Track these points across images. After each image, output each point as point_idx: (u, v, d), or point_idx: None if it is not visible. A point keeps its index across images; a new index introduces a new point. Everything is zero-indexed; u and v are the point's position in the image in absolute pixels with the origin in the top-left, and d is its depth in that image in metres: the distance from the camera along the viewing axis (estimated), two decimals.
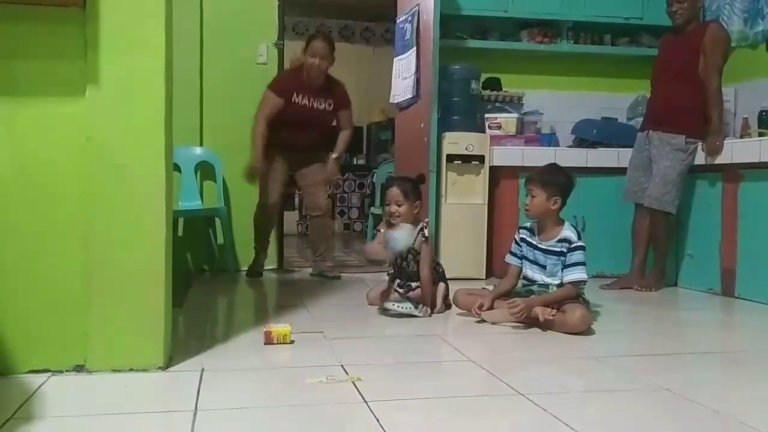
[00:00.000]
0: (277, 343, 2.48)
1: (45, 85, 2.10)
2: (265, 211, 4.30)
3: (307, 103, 4.17)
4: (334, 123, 4.43)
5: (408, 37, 4.62)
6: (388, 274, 3.38)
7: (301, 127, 4.19)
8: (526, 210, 3.00)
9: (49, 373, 2.08)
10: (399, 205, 3.17)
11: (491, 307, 2.94)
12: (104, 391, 1.99)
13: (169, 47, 2.20)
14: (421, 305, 3.03)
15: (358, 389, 2.00)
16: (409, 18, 4.59)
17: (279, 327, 2.52)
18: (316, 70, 4.11)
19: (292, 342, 2.50)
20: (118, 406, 1.87)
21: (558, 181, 2.99)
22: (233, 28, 4.68)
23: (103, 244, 2.11)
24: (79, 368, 2.11)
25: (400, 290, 3.18)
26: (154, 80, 2.15)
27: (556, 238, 2.96)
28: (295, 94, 4.12)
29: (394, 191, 3.20)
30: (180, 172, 4.48)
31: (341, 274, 4.46)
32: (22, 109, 2.09)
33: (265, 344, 2.47)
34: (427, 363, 2.37)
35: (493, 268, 4.37)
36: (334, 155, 4.37)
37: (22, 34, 2.08)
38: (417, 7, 4.47)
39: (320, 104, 4.23)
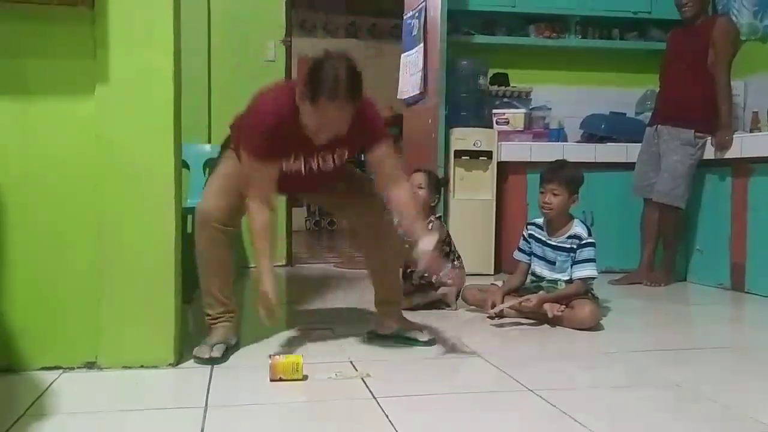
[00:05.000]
0: (286, 380, 2.03)
1: (55, 84, 2.11)
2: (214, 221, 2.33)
3: (302, 168, 2.33)
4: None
5: (415, 33, 4.62)
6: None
7: (298, 188, 2.63)
8: (548, 209, 2.95)
9: (61, 370, 2.10)
10: (420, 188, 3.19)
11: (502, 311, 2.92)
12: (115, 388, 2.01)
13: (177, 45, 2.21)
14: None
15: (367, 385, 2.00)
16: (416, 14, 4.59)
17: (288, 362, 2.06)
18: (325, 136, 2.20)
19: (304, 378, 2.06)
20: (129, 402, 1.88)
21: (577, 178, 2.99)
22: (241, 25, 4.68)
23: (114, 241, 2.13)
24: (90, 365, 2.12)
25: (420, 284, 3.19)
26: (163, 78, 2.16)
27: (566, 234, 2.95)
28: (282, 161, 2.29)
29: (420, 174, 3.25)
30: (189, 169, 4.49)
31: None
32: (33, 108, 2.10)
33: (271, 381, 2.04)
34: (436, 359, 2.37)
35: (502, 263, 4.37)
36: (422, 247, 2.25)
37: (32, 34, 2.09)
38: (424, 3, 4.46)
39: (325, 161, 2.34)
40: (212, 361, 2.23)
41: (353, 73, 2.09)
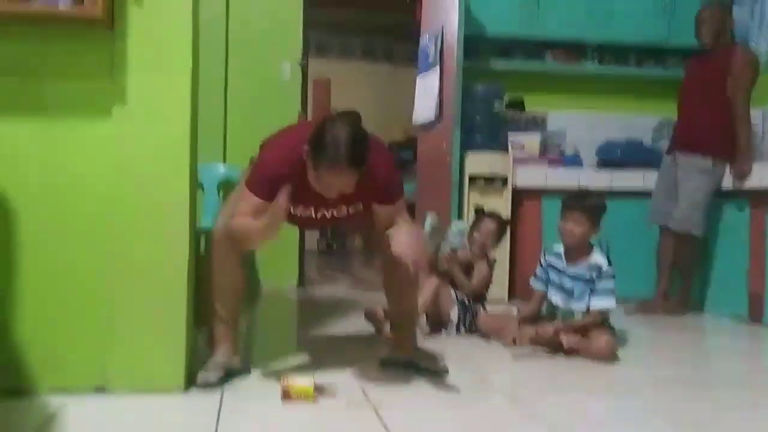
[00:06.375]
0: (297, 394, 2.07)
1: (73, 104, 2.11)
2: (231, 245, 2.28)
3: (313, 214, 2.35)
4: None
5: (431, 57, 4.62)
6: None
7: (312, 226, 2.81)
8: (570, 238, 2.91)
9: (70, 394, 2.07)
10: (489, 238, 3.35)
11: (516, 339, 2.88)
12: (124, 413, 1.98)
13: (196, 67, 2.21)
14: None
15: (379, 415, 1.97)
16: (433, 38, 4.59)
17: (299, 384, 2.10)
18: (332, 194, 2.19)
19: (315, 398, 2.08)
20: (138, 428, 1.85)
21: (600, 208, 2.96)
22: (257, 46, 4.71)
23: (127, 264, 2.11)
24: (99, 389, 2.09)
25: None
26: (181, 100, 2.15)
27: (586, 264, 2.90)
28: (292, 207, 2.24)
29: (491, 225, 3.37)
30: (203, 189, 4.49)
31: None
32: (51, 128, 2.10)
33: (282, 399, 2.08)
34: (449, 390, 2.33)
35: (516, 289, 4.32)
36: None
37: (50, 54, 2.10)
38: (441, 28, 4.47)
39: (340, 211, 2.36)
40: (208, 386, 2.19)
41: (356, 137, 2.05)
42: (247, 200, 2.21)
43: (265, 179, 2.20)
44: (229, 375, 2.28)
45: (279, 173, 2.17)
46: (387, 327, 3.08)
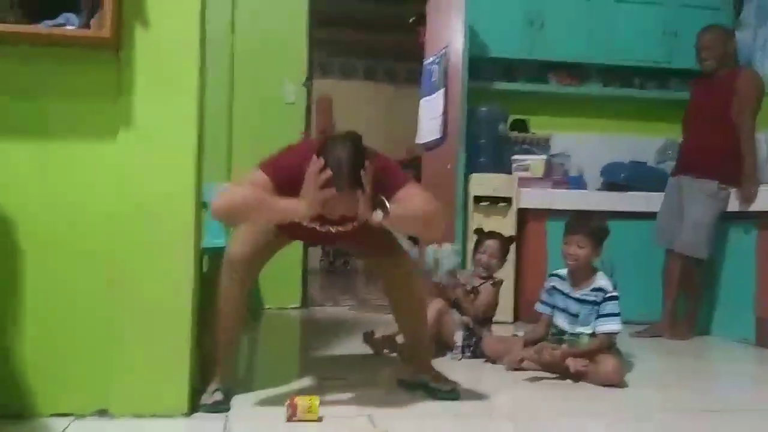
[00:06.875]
0: (301, 420, 2.07)
1: (79, 125, 2.10)
2: (235, 270, 2.31)
3: (317, 227, 2.30)
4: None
5: (435, 78, 4.63)
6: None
7: (315, 241, 2.79)
8: (573, 261, 2.90)
9: (72, 417, 2.04)
10: (492, 257, 3.28)
11: (523, 358, 2.85)
12: None
13: (201, 88, 2.21)
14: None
15: None
16: (437, 59, 4.60)
17: (304, 401, 2.09)
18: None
19: (319, 419, 2.09)
20: None
21: (603, 231, 2.95)
22: (262, 66, 4.72)
23: (129, 286, 2.09)
24: (101, 413, 2.07)
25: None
26: (187, 120, 2.15)
27: (591, 287, 2.88)
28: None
29: (493, 243, 3.30)
30: (206, 208, 4.48)
31: None
32: (54, 149, 2.09)
33: (287, 421, 2.07)
34: (456, 415, 2.30)
35: (520, 311, 4.29)
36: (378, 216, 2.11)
37: (56, 75, 2.09)
38: (445, 50, 4.49)
39: (344, 225, 2.30)
40: (216, 405, 2.18)
41: (355, 158, 2.04)
42: (251, 176, 2.16)
43: (280, 165, 2.18)
44: (230, 398, 2.26)
45: (295, 169, 2.11)
46: (385, 350, 3.14)
